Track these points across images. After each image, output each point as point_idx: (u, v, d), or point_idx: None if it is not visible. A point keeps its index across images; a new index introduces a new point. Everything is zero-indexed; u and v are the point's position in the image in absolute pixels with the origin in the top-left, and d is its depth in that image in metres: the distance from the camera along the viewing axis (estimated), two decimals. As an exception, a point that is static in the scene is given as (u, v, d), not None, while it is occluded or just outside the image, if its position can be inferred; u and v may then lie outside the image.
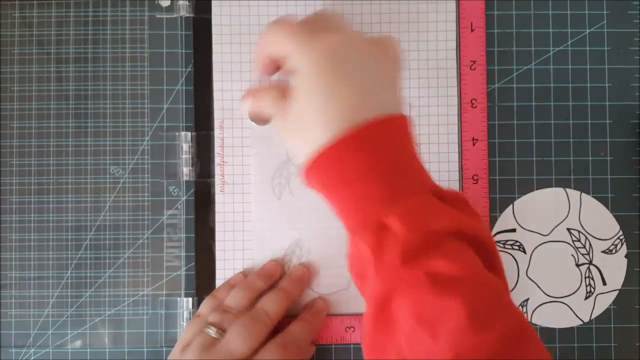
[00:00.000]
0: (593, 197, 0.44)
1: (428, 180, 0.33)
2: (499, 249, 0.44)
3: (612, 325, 0.44)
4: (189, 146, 0.44)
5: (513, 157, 0.44)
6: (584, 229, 0.44)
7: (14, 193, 0.44)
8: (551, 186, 0.45)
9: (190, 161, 0.44)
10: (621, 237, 0.44)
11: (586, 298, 0.44)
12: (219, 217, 0.44)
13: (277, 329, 0.39)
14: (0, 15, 0.44)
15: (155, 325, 0.43)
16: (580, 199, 0.44)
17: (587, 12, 0.45)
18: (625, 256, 0.44)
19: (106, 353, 0.43)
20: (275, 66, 0.36)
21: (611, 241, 0.44)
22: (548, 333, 0.44)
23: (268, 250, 0.44)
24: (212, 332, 0.38)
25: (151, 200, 0.44)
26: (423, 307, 0.28)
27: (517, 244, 0.44)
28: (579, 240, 0.44)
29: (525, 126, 0.45)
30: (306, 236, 0.44)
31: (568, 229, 0.44)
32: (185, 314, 0.43)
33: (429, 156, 0.44)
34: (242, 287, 0.41)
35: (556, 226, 0.44)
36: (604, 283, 0.44)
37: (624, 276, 0.44)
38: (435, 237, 0.30)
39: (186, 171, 0.44)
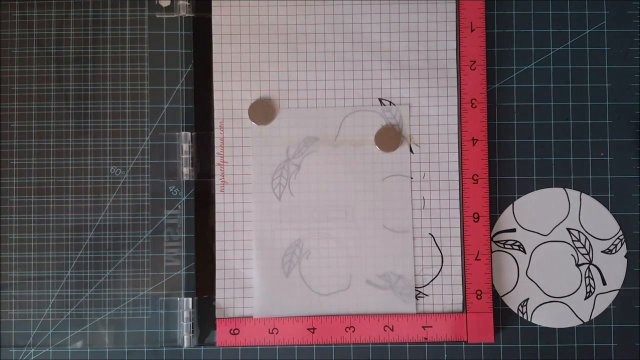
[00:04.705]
0: (593, 197, 0.44)
1: None
2: (499, 248, 0.44)
3: (612, 325, 0.44)
4: (189, 146, 0.44)
5: (513, 157, 0.44)
6: (583, 228, 0.44)
7: (14, 193, 0.44)
8: (551, 186, 0.45)
9: (190, 161, 0.44)
10: (621, 237, 0.44)
11: (586, 298, 0.44)
12: (219, 217, 0.44)
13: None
14: (0, 15, 0.44)
15: (155, 325, 0.43)
16: (580, 198, 0.44)
17: (587, 12, 0.45)
18: (625, 256, 0.44)
19: (106, 353, 0.43)
20: None
21: (611, 241, 0.44)
22: (548, 333, 0.44)
23: (268, 250, 0.44)
24: None
25: (151, 200, 0.44)
26: None
27: (517, 243, 0.44)
28: (578, 240, 0.44)
29: (525, 126, 0.45)
30: (306, 236, 0.44)
31: (568, 229, 0.44)
32: (185, 314, 0.43)
33: (429, 156, 0.44)
34: None
35: (556, 226, 0.44)
36: (604, 283, 0.44)
37: (623, 276, 0.44)
38: None
39: (186, 171, 0.44)
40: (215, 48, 0.44)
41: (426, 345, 0.44)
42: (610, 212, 0.44)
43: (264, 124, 0.44)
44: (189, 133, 0.44)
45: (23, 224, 0.44)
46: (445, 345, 0.44)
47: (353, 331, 0.43)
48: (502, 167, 0.44)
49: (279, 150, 0.44)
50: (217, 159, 0.44)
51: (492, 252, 0.44)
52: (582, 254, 0.44)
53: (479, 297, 0.43)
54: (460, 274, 0.43)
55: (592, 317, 0.44)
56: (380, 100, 0.44)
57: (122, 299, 0.44)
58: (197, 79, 0.44)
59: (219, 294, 0.43)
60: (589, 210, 0.44)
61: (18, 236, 0.44)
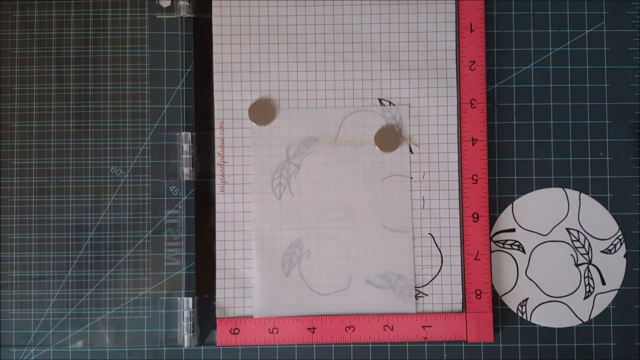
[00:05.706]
0: (592, 197, 0.45)
1: None
2: (499, 248, 0.44)
3: (612, 325, 0.44)
4: (189, 146, 0.44)
5: (512, 157, 0.45)
6: (583, 228, 0.44)
7: (14, 193, 0.44)
8: (550, 186, 0.45)
9: (191, 161, 0.44)
10: (620, 237, 0.44)
11: (585, 298, 0.44)
12: (219, 217, 0.44)
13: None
14: (1, 15, 0.45)
15: (155, 325, 0.43)
16: (580, 198, 0.44)
17: (586, 12, 0.45)
18: (625, 256, 0.44)
19: (107, 353, 0.43)
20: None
21: (610, 241, 0.44)
22: (547, 333, 0.44)
23: (268, 250, 0.44)
24: None
25: (151, 200, 0.44)
26: None
27: (517, 243, 0.44)
28: (578, 240, 0.44)
29: (524, 126, 0.45)
30: (306, 236, 0.44)
31: (567, 229, 0.44)
32: (186, 314, 0.43)
33: (429, 156, 0.44)
34: None
35: (555, 226, 0.44)
36: (603, 283, 0.44)
37: (623, 276, 0.44)
38: None
39: (186, 171, 0.44)
40: (215, 48, 0.44)
41: (426, 345, 0.44)
42: (610, 212, 0.44)
43: (264, 124, 0.44)
44: (189, 133, 0.44)
45: (24, 224, 0.44)
46: (444, 345, 0.44)
47: (353, 331, 0.43)
48: (501, 167, 0.45)
49: (279, 150, 0.44)
50: (217, 159, 0.44)
51: (491, 252, 0.44)
52: (582, 254, 0.44)
53: (478, 296, 0.43)
54: (460, 273, 0.43)
55: (592, 316, 0.44)
56: (380, 100, 0.44)
57: (123, 299, 0.44)
58: (197, 79, 0.44)
59: (219, 293, 0.43)
60: (588, 210, 0.44)
61: (19, 236, 0.44)
